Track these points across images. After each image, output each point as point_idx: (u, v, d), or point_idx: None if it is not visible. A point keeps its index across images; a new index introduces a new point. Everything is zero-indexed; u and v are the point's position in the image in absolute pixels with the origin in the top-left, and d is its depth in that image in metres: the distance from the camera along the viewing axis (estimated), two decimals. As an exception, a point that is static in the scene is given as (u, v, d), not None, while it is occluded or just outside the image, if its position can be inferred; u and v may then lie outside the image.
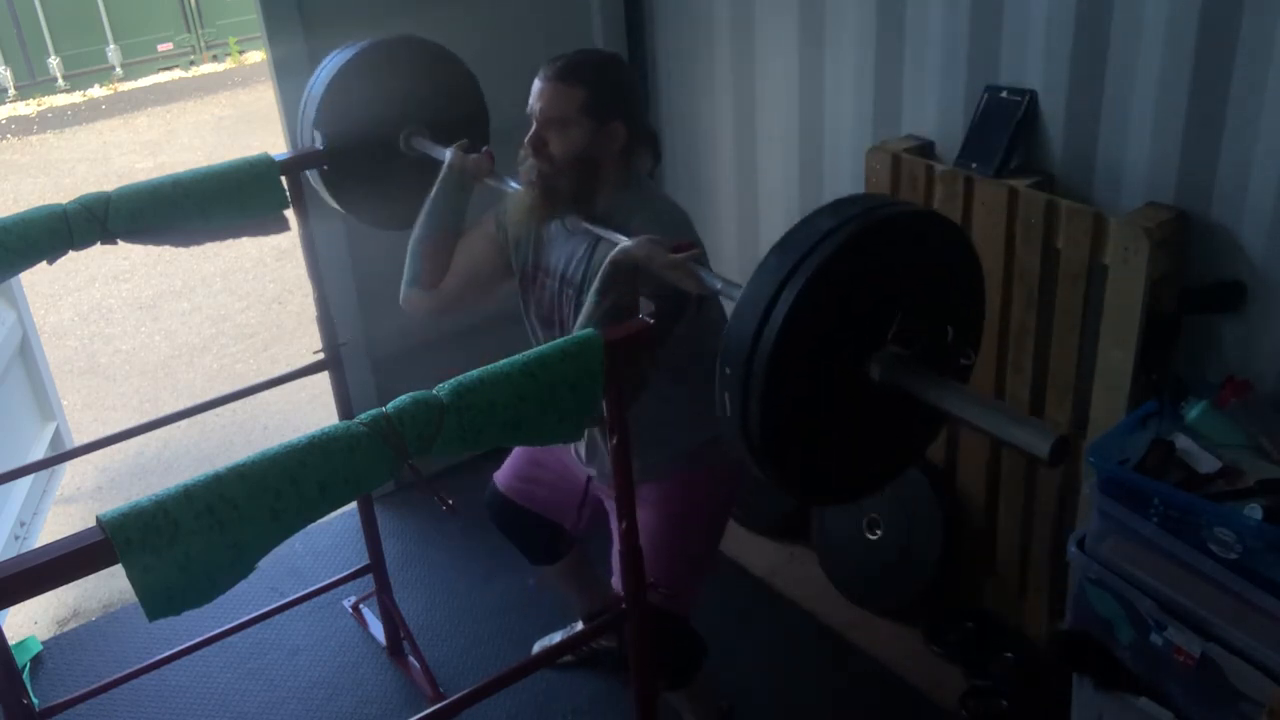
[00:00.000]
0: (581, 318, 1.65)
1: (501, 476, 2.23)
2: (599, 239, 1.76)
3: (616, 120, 1.79)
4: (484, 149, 2.00)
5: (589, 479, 2.03)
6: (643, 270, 1.61)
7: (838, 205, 1.32)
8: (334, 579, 2.59)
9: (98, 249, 1.84)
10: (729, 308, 1.38)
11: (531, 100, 1.82)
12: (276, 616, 2.53)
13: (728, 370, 1.29)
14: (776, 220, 2.90)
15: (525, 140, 1.81)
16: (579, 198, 1.79)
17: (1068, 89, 2.08)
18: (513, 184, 1.89)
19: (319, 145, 2.13)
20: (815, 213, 1.31)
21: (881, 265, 1.31)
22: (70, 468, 3.49)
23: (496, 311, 2.20)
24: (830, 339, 1.29)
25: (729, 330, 1.29)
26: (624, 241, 1.64)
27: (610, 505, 1.99)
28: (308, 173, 2.17)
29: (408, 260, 2.00)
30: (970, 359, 1.39)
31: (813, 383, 1.30)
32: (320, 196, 2.25)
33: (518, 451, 2.22)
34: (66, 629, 2.80)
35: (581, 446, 2.00)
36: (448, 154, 1.99)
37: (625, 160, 1.84)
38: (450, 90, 2.27)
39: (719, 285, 1.56)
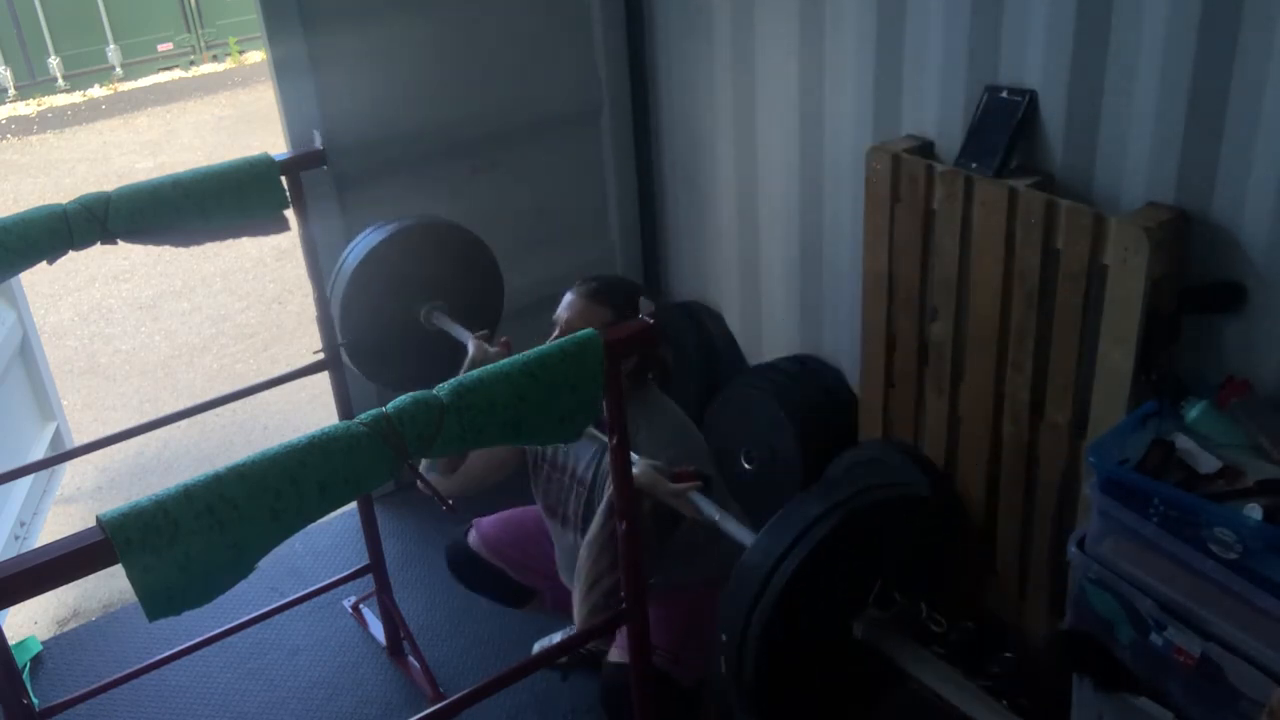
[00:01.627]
0: (589, 536, 1.84)
1: (486, 538, 2.34)
2: (604, 447, 1.87)
3: None
4: (502, 339, 2.13)
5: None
6: (647, 497, 1.76)
7: (824, 490, 1.54)
8: (334, 579, 2.59)
9: (98, 249, 1.84)
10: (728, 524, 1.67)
11: (560, 308, 2.05)
12: (276, 616, 2.53)
13: (724, 637, 1.46)
14: (776, 220, 2.90)
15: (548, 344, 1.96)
16: None
17: (1068, 89, 2.08)
18: None
19: (318, 145, 2.14)
20: (801, 496, 1.52)
21: (863, 545, 1.50)
22: (70, 468, 3.49)
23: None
24: (816, 610, 1.47)
25: (725, 600, 1.46)
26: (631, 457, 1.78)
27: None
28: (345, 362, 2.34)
29: None
30: (941, 626, 1.56)
31: (802, 644, 1.48)
32: (320, 194, 2.27)
33: (505, 520, 2.38)
34: (66, 629, 2.80)
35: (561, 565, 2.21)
36: (469, 346, 2.14)
37: (637, 376, 2.01)
38: (472, 270, 2.49)
39: (716, 516, 1.71)
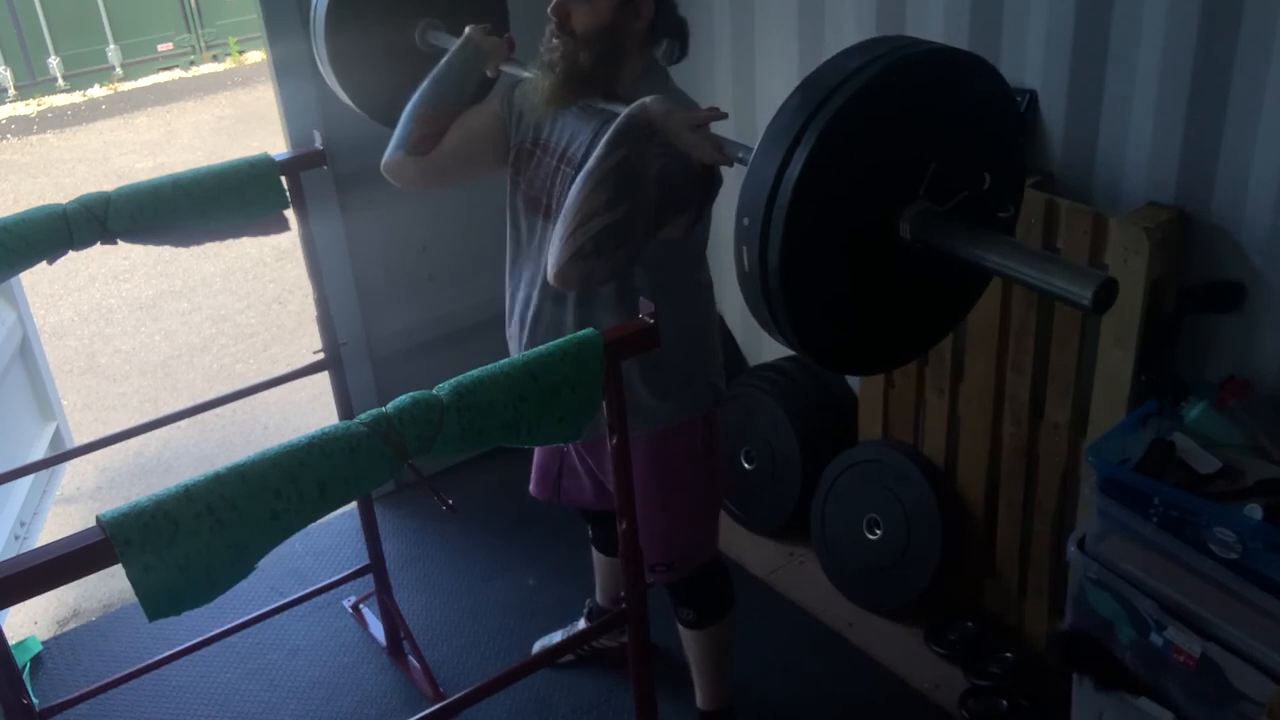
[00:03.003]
0: (587, 168, 1.55)
1: (532, 485, 2.18)
2: (606, 121, 1.64)
3: None
4: (505, 34, 1.95)
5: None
6: (659, 129, 1.52)
7: (865, 45, 1.21)
8: (334, 579, 2.59)
9: (98, 249, 1.84)
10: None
11: None
12: (276, 616, 2.53)
13: (746, 221, 1.20)
14: (776, 220, 2.90)
15: (549, 9, 1.73)
16: (600, 77, 1.71)
17: (1068, 89, 2.08)
18: (528, 74, 1.82)
19: (318, 145, 2.13)
20: (841, 52, 1.20)
21: (911, 110, 1.19)
22: (70, 468, 3.49)
23: (497, 311, 2.20)
24: (856, 190, 1.18)
25: (748, 176, 1.19)
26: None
27: (586, 456, 1.99)
28: (313, 40, 2.13)
29: (400, 124, 1.90)
30: (1009, 211, 1.31)
31: (837, 238, 1.20)
32: (319, 194, 2.25)
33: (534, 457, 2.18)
34: (66, 629, 2.80)
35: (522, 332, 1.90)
36: (467, 29, 1.92)
37: (648, 43, 1.76)
38: None
39: (739, 153, 1.41)
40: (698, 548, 2.01)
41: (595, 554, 2.41)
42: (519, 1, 2.30)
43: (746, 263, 1.22)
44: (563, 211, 1.57)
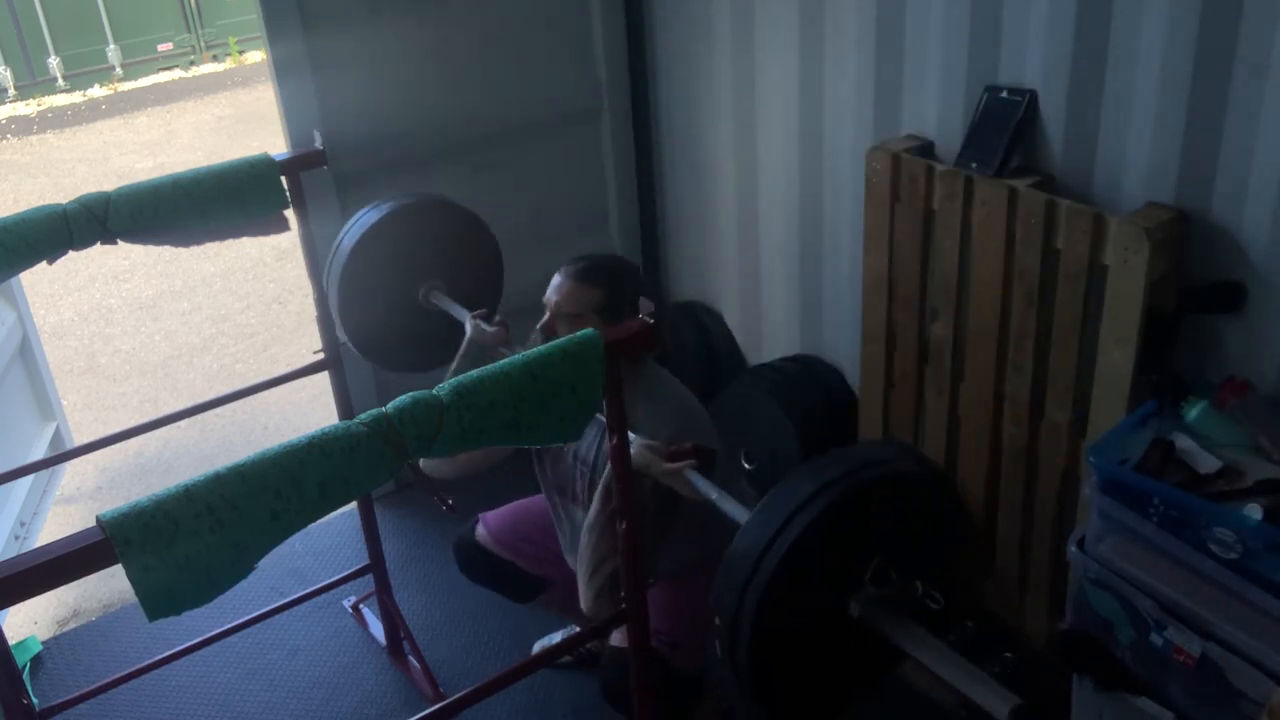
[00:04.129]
0: (588, 521, 1.82)
1: (494, 531, 2.31)
2: (604, 426, 1.83)
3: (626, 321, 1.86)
4: (498, 319, 2.12)
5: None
6: (644, 477, 1.73)
7: (818, 467, 1.48)
8: (334, 579, 2.59)
9: (98, 249, 1.84)
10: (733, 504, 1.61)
11: (550, 291, 2.00)
12: (276, 616, 2.53)
13: (717, 619, 1.43)
14: (776, 220, 2.90)
15: (538, 327, 1.97)
16: None
17: (1068, 89, 2.08)
18: None
19: (318, 145, 2.14)
20: (796, 473, 1.48)
21: (860, 524, 1.47)
22: (70, 468, 3.49)
23: (496, 311, 2.21)
24: (812, 586, 1.45)
25: (717, 582, 1.43)
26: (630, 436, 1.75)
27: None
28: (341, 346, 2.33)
29: None
30: (939, 603, 1.52)
31: (796, 622, 1.46)
32: (319, 194, 2.26)
33: (513, 511, 2.35)
34: (66, 629, 2.80)
35: (569, 546, 2.17)
36: (467, 326, 2.12)
37: (634, 354, 1.93)
38: (471, 248, 2.43)
39: (713, 495, 1.66)
40: (695, 650, 2.05)
41: (536, 603, 2.42)
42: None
43: (719, 650, 1.46)
44: (578, 556, 1.85)
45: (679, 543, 1.98)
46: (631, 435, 1.77)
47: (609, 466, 1.68)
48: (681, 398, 2.04)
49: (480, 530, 2.33)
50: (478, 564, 2.33)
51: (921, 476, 1.56)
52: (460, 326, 2.19)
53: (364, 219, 2.31)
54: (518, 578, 2.33)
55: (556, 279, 2.01)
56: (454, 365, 2.12)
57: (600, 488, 1.80)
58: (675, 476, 1.72)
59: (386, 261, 2.29)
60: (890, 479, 1.52)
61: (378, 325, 2.33)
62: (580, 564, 1.86)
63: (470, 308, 2.25)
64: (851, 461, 1.51)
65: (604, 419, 1.77)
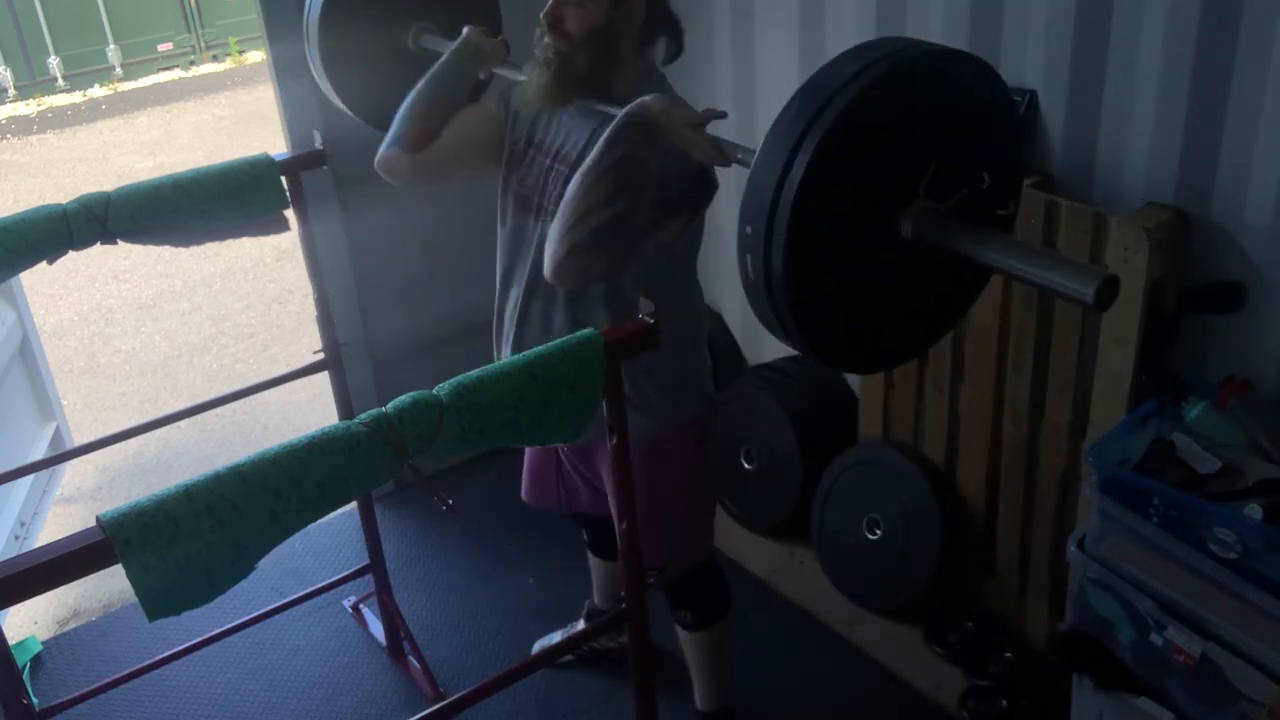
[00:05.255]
0: (586, 164, 1.55)
1: (524, 492, 2.19)
2: (603, 122, 1.63)
3: None
4: (500, 37, 1.96)
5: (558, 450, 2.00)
6: (659, 128, 1.52)
7: (863, 48, 1.22)
8: (334, 579, 2.59)
9: (98, 249, 1.84)
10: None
11: None
12: (276, 616, 2.53)
13: (748, 229, 1.21)
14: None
15: (541, 14, 1.72)
16: (594, 78, 1.71)
17: (1068, 89, 2.08)
18: (522, 76, 1.82)
19: (318, 145, 2.13)
20: (839, 56, 1.21)
21: (910, 111, 1.21)
22: (70, 468, 3.49)
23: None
24: (857, 192, 1.20)
25: (749, 184, 1.20)
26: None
27: (578, 463, 2.00)
28: (306, 42, 2.14)
29: (395, 120, 1.91)
30: (1009, 209, 1.32)
31: (840, 240, 1.21)
32: (320, 194, 2.25)
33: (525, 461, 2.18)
34: (66, 629, 2.80)
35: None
36: (466, 30, 1.94)
37: (643, 44, 1.75)
38: None
39: (739, 154, 1.43)
40: (689, 550, 2.01)
41: (591, 558, 2.41)
42: (511, 5, 2.30)
43: (751, 270, 1.23)
44: (560, 206, 1.57)
45: (650, 371, 1.80)
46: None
47: (618, 118, 1.52)
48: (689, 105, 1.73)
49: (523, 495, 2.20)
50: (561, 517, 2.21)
51: (969, 58, 1.29)
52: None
53: None
54: (582, 521, 2.24)
55: None
56: (438, 63, 1.92)
57: (608, 131, 1.54)
58: (698, 131, 1.49)
59: (368, 5, 2.12)
60: (941, 56, 1.26)
61: (368, 79, 2.16)
62: (563, 212, 1.57)
63: None
64: (900, 42, 1.24)
65: (608, 109, 1.61)
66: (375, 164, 1.94)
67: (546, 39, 1.72)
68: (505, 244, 1.89)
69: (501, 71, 1.93)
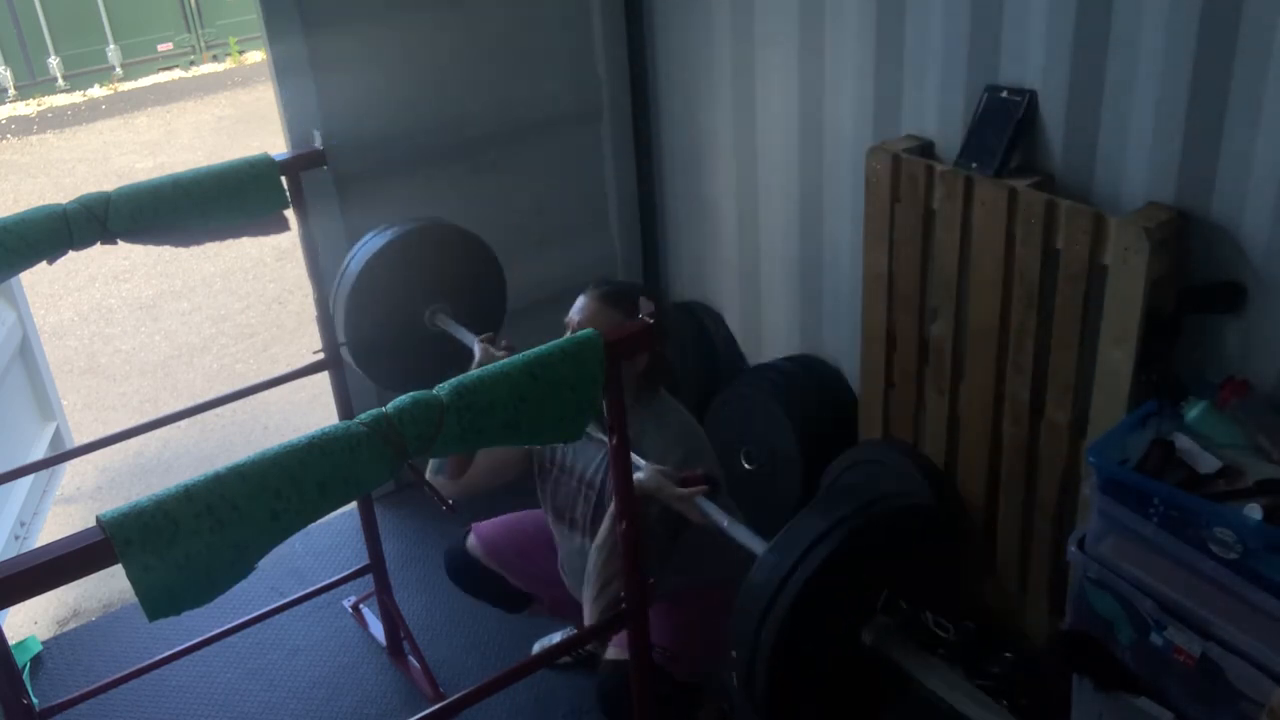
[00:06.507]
0: (597, 541, 1.87)
1: (486, 543, 2.33)
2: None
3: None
4: (505, 343, 2.15)
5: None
6: (654, 500, 1.77)
7: (829, 503, 1.56)
8: (334, 579, 2.59)
9: (98, 249, 1.84)
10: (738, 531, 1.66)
11: (574, 310, 2.04)
12: (276, 616, 2.53)
13: (734, 653, 1.46)
14: (776, 220, 2.90)
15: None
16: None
17: (1068, 89, 2.08)
18: None
19: (318, 145, 2.14)
20: (806, 512, 1.54)
21: (870, 554, 1.53)
22: (70, 468, 3.49)
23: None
24: (825, 620, 1.48)
25: (735, 616, 1.46)
26: (637, 461, 1.81)
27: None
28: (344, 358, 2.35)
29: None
30: (947, 631, 1.57)
31: (811, 653, 1.49)
32: (319, 194, 2.26)
33: (505, 525, 2.37)
34: (66, 629, 2.80)
35: (567, 568, 2.20)
36: (475, 349, 2.15)
37: (644, 382, 2.01)
38: (475, 272, 2.49)
39: (724, 523, 1.68)
40: (694, 661, 2.07)
41: (527, 611, 2.44)
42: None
43: (735, 681, 1.50)
44: (586, 575, 1.90)
45: (682, 563, 2.00)
46: (640, 461, 1.81)
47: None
48: (689, 425, 2.07)
49: (471, 541, 2.35)
50: (466, 574, 2.36)
51: (928, 509, 1.66)
52: (464, 347, 2.24)
53: (369, 245, 2.36)
54: (506, 590, 2.35)
55: (581, 299, 2.04)
56: None
57: (612, 505, 1.81)
58: (686, 502, 1.75)
59: (391, 287, 2.35)
60: (900, 514, 1.58)
61: (384, 348, 2.39)
62: (588, 582, 1.89)
63: (474, 328, 2.29)
64: (860, 499, 1.59)
65: (602, 438, 1.82)
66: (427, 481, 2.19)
67: None
68: (555, 536, 2.23)
69: None
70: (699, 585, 2.10)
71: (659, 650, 1.96)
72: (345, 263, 2.38)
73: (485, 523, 2.37)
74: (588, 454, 2.08)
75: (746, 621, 1.46)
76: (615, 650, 2.04)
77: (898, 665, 1.50)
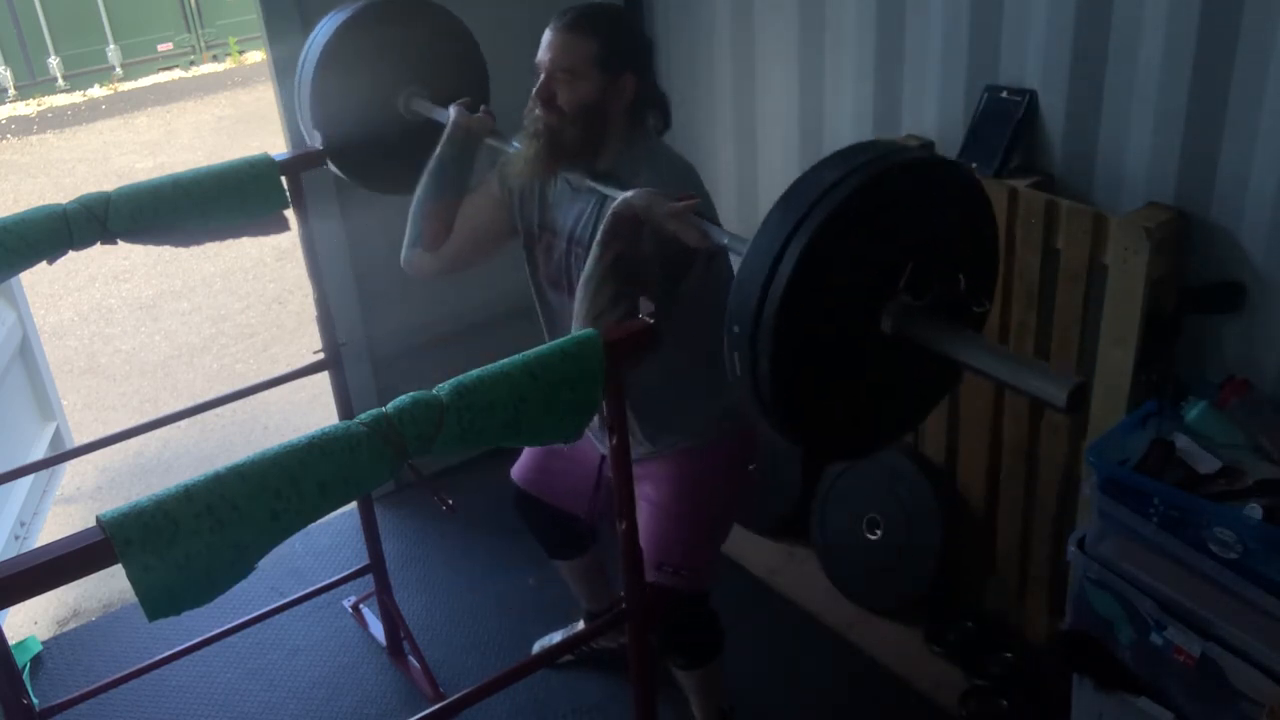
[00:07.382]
0: (585, 273, 1.62)
1: (518, 469, 2.22)
2: (606, 196, 1.71)
3: (626, 73, 1.76)
4: (484, 107, 1.99)
5: (602, 458, 2.01)
6: (645, 222, 1.59)
7: (843, 154, 1.28)
8: (334, 579, 2.59)
9: (98, 249, 1.84)
10: (736, 263, 1.32)
11: (541, 51, 1.78)
12: (276, 616, 2.53)
13: (736, 329, 1.26)
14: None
15: (533, 92, 1.78)
16: (584, 151, 1.77)
17: (1068, 89, 2.08)
18: (515, 144, 1.87)
19: (318, 145, 2.13)
20: (819, 163, 1.27)
21: (890, 215, 1.27)
22: (70, 468, 3.49)
23: (497, 311, 2.20)
24: (840, 291, 1.25)
25: (735, 288, 1.26)
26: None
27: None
28: (298, 105, 2.16)
29: (409, 222, 1.99)
30: (984, 306, 1.36)
31: (823, 337, 1.27)
32: (319, 194, 2.25)
33: (533, 453, 2.20)
34: (66, 629, 2.80)
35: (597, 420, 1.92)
36: (451, 113, 1.98)
37: (633, 116, 1.81)
38: (450, 51, 2.25)
39: (725, 239, 1.50)
40: (701, 568, 1.98)
41: (562, 565, 2.37)
42: (500, 73, 2.32)
43: (738, 367, 1.28)
44: (573, 314, 1.66)
45: (688, 401, 1.88)
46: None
47: (606, 219, 1.60)
48: (687, 165, 1.86)
49: (515, 479, 2.23)
50: (519, 506, 2.24)
51: (949, 164, 1.36)
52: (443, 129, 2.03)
53: (328, 25, 2.14)
54: (556, 521, 2.21)
55: (547, 35, 1.78)
56: (434, 155, 1.97)
57: (598, 236, 1.63)
58: (680, 219, 1.56)
59: (357, 72, 2.13)
60: (921, 164, 1.33)
61: (360, 142, 2.18)
62: (576, 318, 1.67)
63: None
64: (878, 149, 1.30)
65: (599, 188, 1.70)
66: (401, 265, 2.03)
67: (538, 112, 1.77)
68: (547, 320, 2.01)
69: (491, 142, 1.97)
70: (694, 441, 1.94)
71: (665, 570, 1.89)
72: (304, 49, 2.17)
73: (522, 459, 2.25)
74: (574, 210, 1.85)
75: (746, 294, 1.23)
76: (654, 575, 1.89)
77: (925, 347, 1.25)
